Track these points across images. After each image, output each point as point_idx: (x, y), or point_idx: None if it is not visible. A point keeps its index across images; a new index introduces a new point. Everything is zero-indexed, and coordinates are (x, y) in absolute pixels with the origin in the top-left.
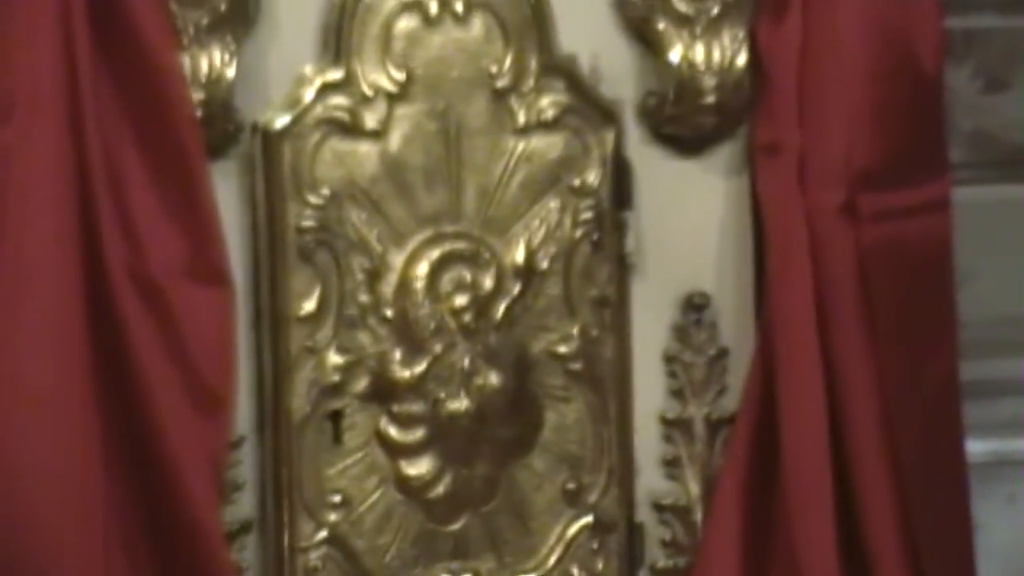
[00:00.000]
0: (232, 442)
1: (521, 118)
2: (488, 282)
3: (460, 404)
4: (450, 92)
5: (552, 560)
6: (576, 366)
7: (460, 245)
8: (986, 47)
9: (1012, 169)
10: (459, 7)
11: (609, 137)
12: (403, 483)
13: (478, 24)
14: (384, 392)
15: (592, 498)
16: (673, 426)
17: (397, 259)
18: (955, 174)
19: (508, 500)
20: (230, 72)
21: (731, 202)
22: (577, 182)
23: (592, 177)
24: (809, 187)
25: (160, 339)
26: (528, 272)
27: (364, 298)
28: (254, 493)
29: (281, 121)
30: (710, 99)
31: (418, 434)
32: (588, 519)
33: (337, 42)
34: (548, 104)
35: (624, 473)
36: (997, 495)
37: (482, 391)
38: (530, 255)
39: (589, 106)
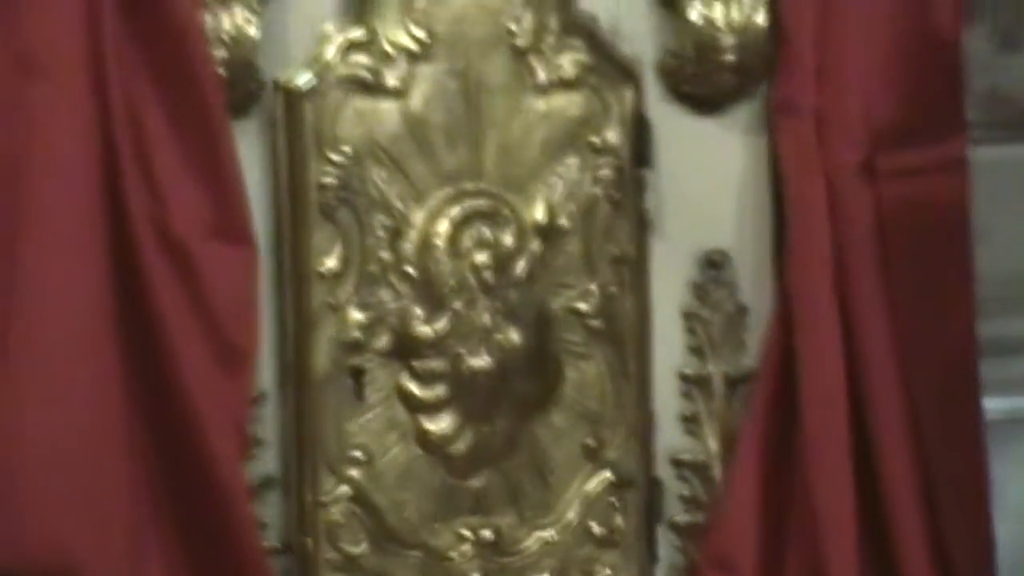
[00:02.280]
0: (255, 399)
1: (541, 76)
2: (509, 239)
3: (481, 361)
4: (471, 51)
5: (571, 515)
6: (596, 323)
7: (481, 203)
8: (1001, 7)
9: None
10: None
11: (629, 95)
12: (424, 439)
13: None
14: (405, 349)
15: (611, 454)
16: (692, 383)
17: (418, 217)
18: (970, 133)
19: (528, 456)
20: (253, 31)
21: (750, 160)
22: (597, 140)
23: (612, 135)
24: (828, 146)
25: (184, 296)
26: (548, 230)
27: (385, 255)
28: (276, 449)
29: (303, 80)
30: (729, 58)
31: (439, 390)
32: (607, 475)
33: (359, 1)
34: (568, 63)
35: (643, 429)
36: (1013, 453)
37: (503, 348)
38: (550, 213)
39: (609, 65)
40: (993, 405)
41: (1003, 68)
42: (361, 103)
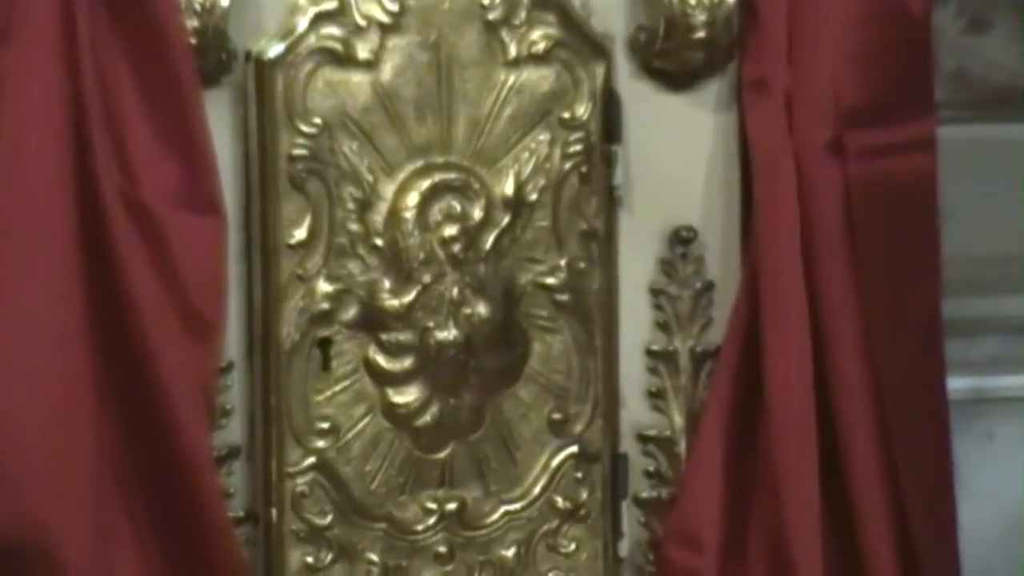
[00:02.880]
0: (222, 368)
1: (512, 51)
2: (477, 213)
3: (448, 334)
4: (442, 24)
5: (537, 489)
6: (563, 298)
7: (450, 176)
8: None
9: (993, 109)
10: None
11: (599, 71)
12: (391, 411)
13: None
14: (373, 321)
15: (577, 428)
16: (658, 358)
17: (388, 189)
18: (937, 113)
19: (494, 429)
20: (224, 1)
21: (719, 137)
22: (567, 115)
23: (582, 110)
24: (797, 124)
25: (153, 266)
26: (517, 204)
27: (354, 227)
28: (243, 419)
29: (274, 50)
30: (700, 34)
31: (406, 363)
32: (573, 449)
33: None
34: (539, 37)
35: (609, 404)
36: (975, 432)
37: (470, 321)
38: (519, 187)
39: (580, 40)
40: (956, 384)
41: (970, 49)
42: (332, 74)
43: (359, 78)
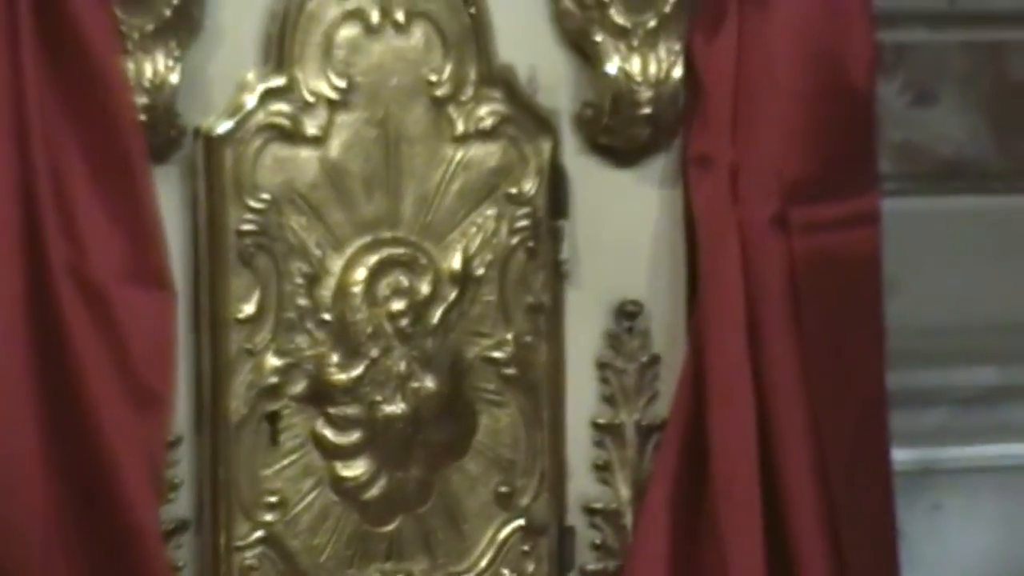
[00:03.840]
0: (171, 442)
1: (459, 126)
2: (425, 288)
3: (396, 407)
4: (390, 100)
5: (484, 562)
6: (510, 371)
7: (398, 251)
8: (915, 61)
9: (939, 181)
10: (400, 16)
11: (546, 146)
12: (339, 484)
13: (418, 33)
14: (321, 395)
15: (524, 501)
16: (605, 431)
17: (336, 264)
18: (883, 185)
19: (442, 502)
20: (174, 78)
21: (664, 212)
22: (514, 190)
23: (529, 186)
24: (741, 199)
25: (101, 340)
26: (464, 278)
27: (302, 302)
28: (191, 492)
29: (223, 127)
30: (645, 111)
31: (354, 436)
32: (520, 522)
33: (279, 49)
34: (486, 113)
35: (556, 477)
36: (922, 504)
37: (418, 395)
38: (467, 262)
39: (526, 116)
40: (902, 456)
41: (916, 122)
42: (280, 150)
43: (307, 154)
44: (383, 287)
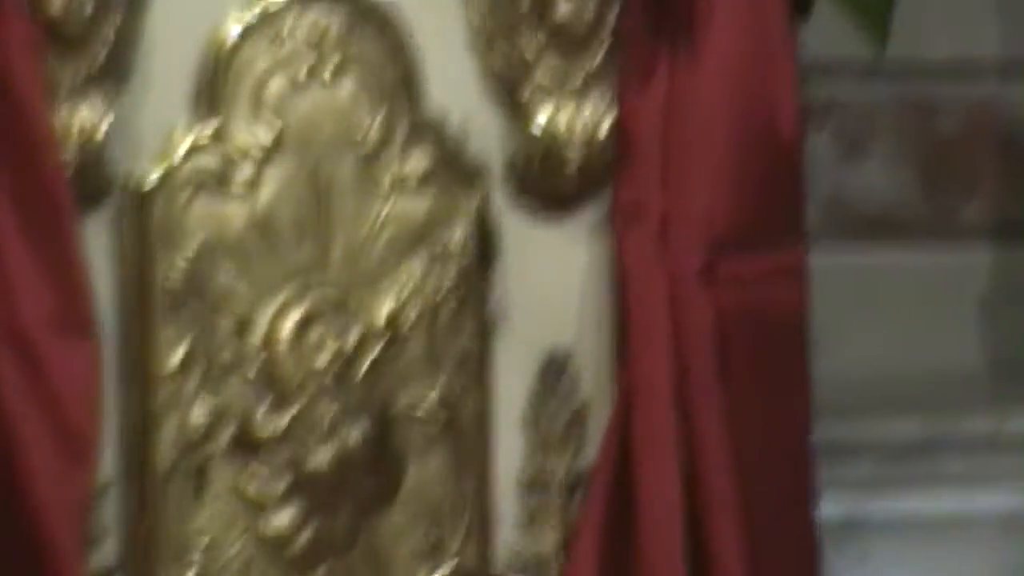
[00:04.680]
0: (97, 491)
1: (389, 178)
2: (354, 338)
3: (323, 457)
4: (319, 151)
5: None
6: (438, 421)
7: (327, 301)
8: (844, 114)
9: (867, 235)
10: (331, 67)
11: (475, 198)
12: (265, 534)
13: (349, 85)
14: (248, 444)
15: (451, 552)
16: (532, 481)
17: (264, 314)
18: (811, 239)
19: (368, 553)
20: (103, 128)
21: (593, 263)
22: (443, 242)
23: (458, 236)
24: (669, 251)
25: (28, 390)
26: (393, 328)
27: (230, 352)
28: (118, 540)
29: (152, 177)
30: (574, 164)
31: (281, 486)
32: (446, 572)
33: (209, 100)
34: (416, 165)
35: (483, 527)
36: (850, 554)
37: (345, 445)
38: (396, 312)
39: (456, 168)
40: (830, 507)
41: (846, 175)
42: (209, 201)
43: (236, 205)
44: (312, 337)
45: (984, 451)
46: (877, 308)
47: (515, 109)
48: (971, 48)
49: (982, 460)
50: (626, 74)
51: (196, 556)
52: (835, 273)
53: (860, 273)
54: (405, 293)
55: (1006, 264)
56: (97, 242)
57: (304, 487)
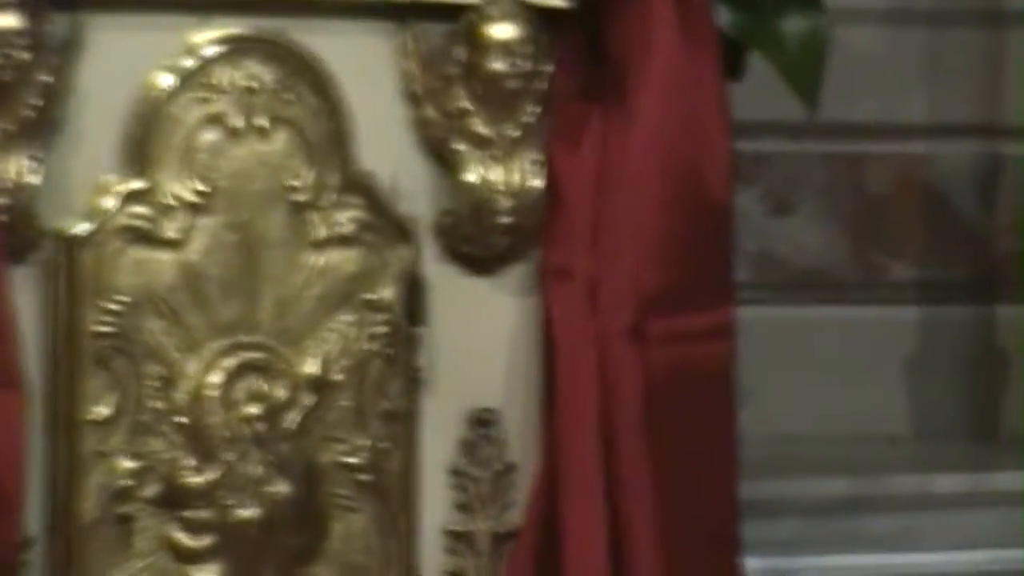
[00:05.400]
0: (22, 543)
1: (319, 232)
2: (282, 392)
3: (250, 512)
4: (251, 205)
5: None
6: (365, 477)
7: (255, 355)
8: (774, 171)
9: (796, 291)
10: (262, 121)
11: (405, 254)
12: None
13: (281, 139)
14: (175, 498)
15: None
16: (458, 539)
17: (192, 367)
18: (739, 294)
19: None
20: (34, 179)
21: (521, 321)
22: (372, 297)
23: (387, 292)
24: (598, 310)
25: None
26: (321, 384)
27: (158, 404)
28: None
29: (82, 228)
30: (505, 220)
31: (207, 541)
32: None
33: (141, 152)
34: (346, 219)
35: None
36: None
37: (272, 500)
38: (324, 367)
39: (386, 223)
40: (754, 565)
41: (774, 231)
42: (139, 253)
43: (166, 257)
44: (240, 391)
45: (909, 511)
46: (804, 364)
47: (447, 163)
48: (899, 111)
49: (907, 520)
50: (558, 133)
51: None
52: (762, 327)
53: (787, 328)
54: (334, 348)
55: (933, 322)
56: (26, 293)
57: (230, 542)
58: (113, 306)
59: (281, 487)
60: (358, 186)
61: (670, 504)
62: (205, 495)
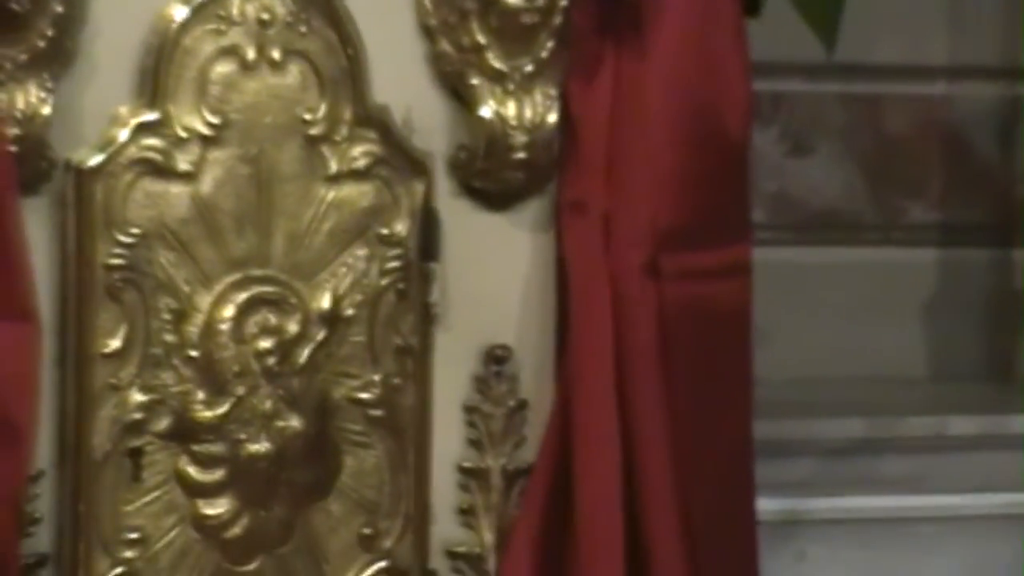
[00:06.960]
0: (32, 476)
1: (333, 166)
2: (293, 327)
3: (260, 446)
4: (264, 138)
5: None
6: (377, 413)
7: (267, 289)
8: (792, 111)
9: (812, 232)
10: (276, 54)
11: (419, 188)
12: (200, 522)
13: (294, 72)
14: (185, 432)
15: (387, 544)
16: (470, 475)
17: (204, 301)
18: (756, 235)
19: (304, 543)
20: (46, 109)
21: (536, 257)
22: (385, 231)
23: (400, 227)
24: (613, 245)
25: None
26: (333, 318)
27: (169, 338)
28: (52, 527)
29: (94, 160)
30: (520, 155)
31: (217, 474)
32: (382, 564)
33: (153, 84)
34: (360, 153)
35: (420, 520)
36: (787, 553)
37: (283, 434)
38: (336, 302)
39: (400, 157)
40: (768, 505)
41: (792, 172)
42: (151, 185)
43: (179, 189)
44: (251, 325)
45: (925, 452)
46: (820, 305)
47: (462, 98)
48: (919, 53)
49: (923, 461)
50: (574, 68)
51: (130, 544)
52: (779, 269)
53: (804, 270)
54: (346, 283)
55: (951, 265)
56: (38, 224)
57: (241, 476)
58: (124, 238)
59: (292, 422)
60: (372, 120)
61: (684, 441)
62: (216, 429)
